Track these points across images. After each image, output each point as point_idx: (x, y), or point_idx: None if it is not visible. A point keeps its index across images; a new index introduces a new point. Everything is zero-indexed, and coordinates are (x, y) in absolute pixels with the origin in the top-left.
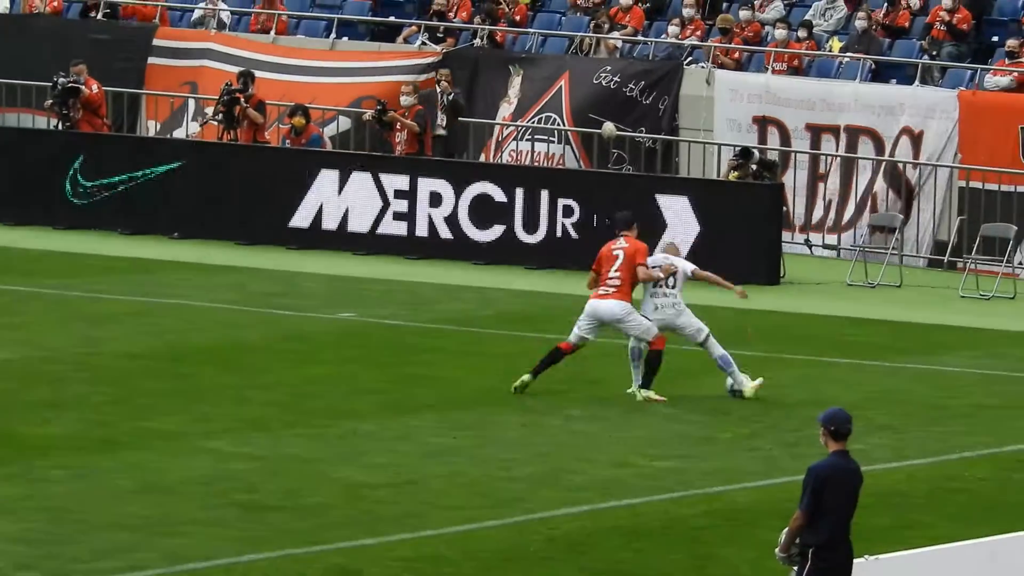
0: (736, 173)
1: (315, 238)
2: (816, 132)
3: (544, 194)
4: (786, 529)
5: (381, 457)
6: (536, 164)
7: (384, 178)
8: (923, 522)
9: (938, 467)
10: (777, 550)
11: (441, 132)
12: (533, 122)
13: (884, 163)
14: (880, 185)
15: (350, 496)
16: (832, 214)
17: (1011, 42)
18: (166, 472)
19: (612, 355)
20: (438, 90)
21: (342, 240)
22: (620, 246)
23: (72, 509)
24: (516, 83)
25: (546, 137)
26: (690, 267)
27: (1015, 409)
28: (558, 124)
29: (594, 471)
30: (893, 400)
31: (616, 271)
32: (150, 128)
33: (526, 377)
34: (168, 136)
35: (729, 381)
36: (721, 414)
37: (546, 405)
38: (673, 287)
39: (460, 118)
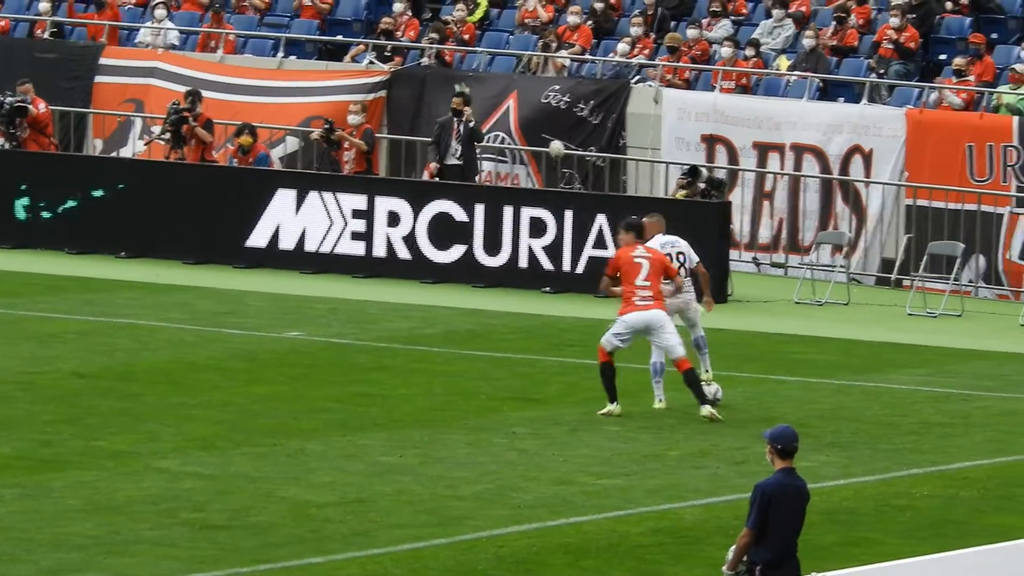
0: (684, 191)
1: (271, 258)
2: (763, 150)
3: (508, 211)
4: (733, 547)
5: (328, 476)
6: (487, 183)
7: (341, 197)
8: (870, 539)
9: (885, 484)
10: (724, 568)
11: (455, 161)
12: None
13: (833, 181)
14: (828, 203)
15: (298, 515)
16: (780, 232)
17: (958, 60)
18: (114, 491)
19: (557, 372)
20: (455, 119)
21: (299, 260)
22: (642, 255)
23: (19, 528)
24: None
25: (496, 156)
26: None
27: (962, 427)
28: (508, 144)
29: (540, 489)
30: (841, 418)
31: (646, 280)
32: (96, 147)
33: (614, 408)
34: (115, 155)
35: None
36: (668, 431)
37: (491, 423)
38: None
39: (477, 143)
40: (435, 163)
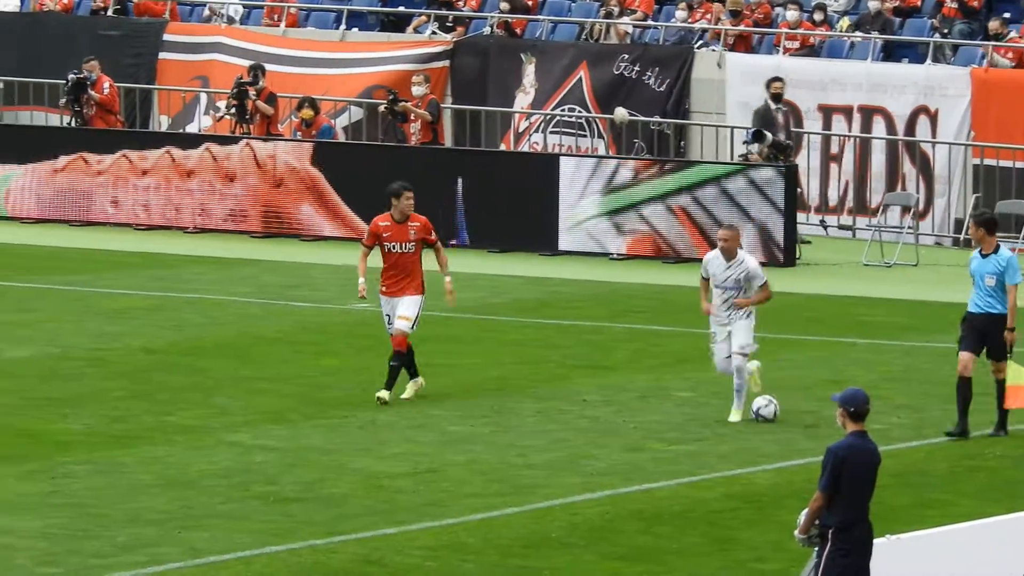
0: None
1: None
2: (828, 113)
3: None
4: (805, 510)
5: (400, 446)
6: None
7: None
8: (943, 500)
9: (957, 445)
10: (797, 532)
11: (787, 142)
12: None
13: (900, 142)
14: (895, 164)
15: (370, 486)
16: (847, 194)
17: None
18: (186, 466)
19: (625, 339)
20: (772, 106)
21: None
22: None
23: (93, 505)
24: (530, 72)
25: (569, 129)
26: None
27: None
28: (584, 116)
29: (612, 456)
30: (912, 379)
31: None
32: (163, 123)
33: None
34: (181, 131)
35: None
36: None
37: (561, 391)
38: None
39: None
40: (756, 152)
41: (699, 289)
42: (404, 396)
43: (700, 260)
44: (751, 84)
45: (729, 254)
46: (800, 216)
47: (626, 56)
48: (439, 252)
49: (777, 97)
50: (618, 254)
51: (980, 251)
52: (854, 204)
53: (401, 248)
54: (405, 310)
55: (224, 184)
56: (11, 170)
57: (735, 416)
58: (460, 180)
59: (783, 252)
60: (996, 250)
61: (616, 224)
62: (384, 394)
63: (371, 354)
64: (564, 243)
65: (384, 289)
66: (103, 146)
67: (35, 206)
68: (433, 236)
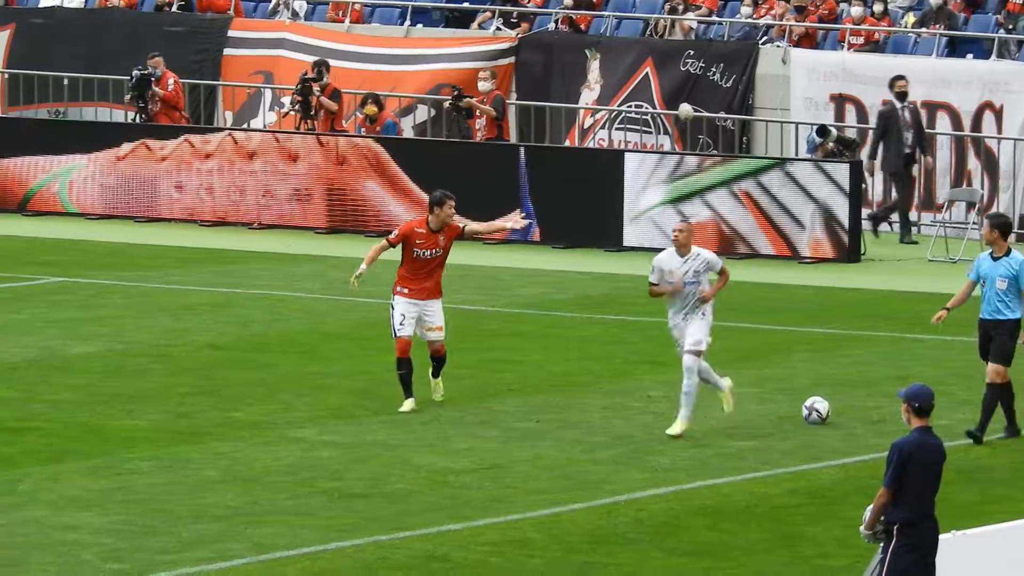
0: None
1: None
2: None
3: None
4: (870, 506)
5: (464, 442)
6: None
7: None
8: (1008, 496)
9: (1021, 442)
10: (862, 528)
11: (907, 151)
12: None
13: (966, 138)
14: (961, 160)
15: (435, 482)
16: (913, 190)
17: None
18: (252, 462)
19: None
20: (898, 105)
21: None
22: None
23: (159, 501)
24: (595, 68)
25: (634, 126)
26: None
27: None
28: (648, 112)
29: (677, 452)
30: (976, 376)
31: None
32: (227, 119)
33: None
34: (246, 126)
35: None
36: (803, 392)
37: (626, 387)
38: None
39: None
40: (870, 159)
41: (649, 289)
42: (436, 397)
43: (765, 255)
44: (816, 80)
45: (684, 249)
46: (864, 211)
47: (691, 52)
48: (476, 230)
49: (902, 96)
50: None
51: (991, 253)
52: (919, 200)
53: (430, 254)
54: (437, 320)
55: (287, 164)
56: (75, 161)
57: (677, 428)
58: (522, 151)
59: (848, 234)
60: (1008, 253)
61: (680, 211)
62: (410, 403)
63: None
64: (629, 238)
65: (407, 291)
66: (165, 133)
67: (99, 196)
68: (459, 225)
